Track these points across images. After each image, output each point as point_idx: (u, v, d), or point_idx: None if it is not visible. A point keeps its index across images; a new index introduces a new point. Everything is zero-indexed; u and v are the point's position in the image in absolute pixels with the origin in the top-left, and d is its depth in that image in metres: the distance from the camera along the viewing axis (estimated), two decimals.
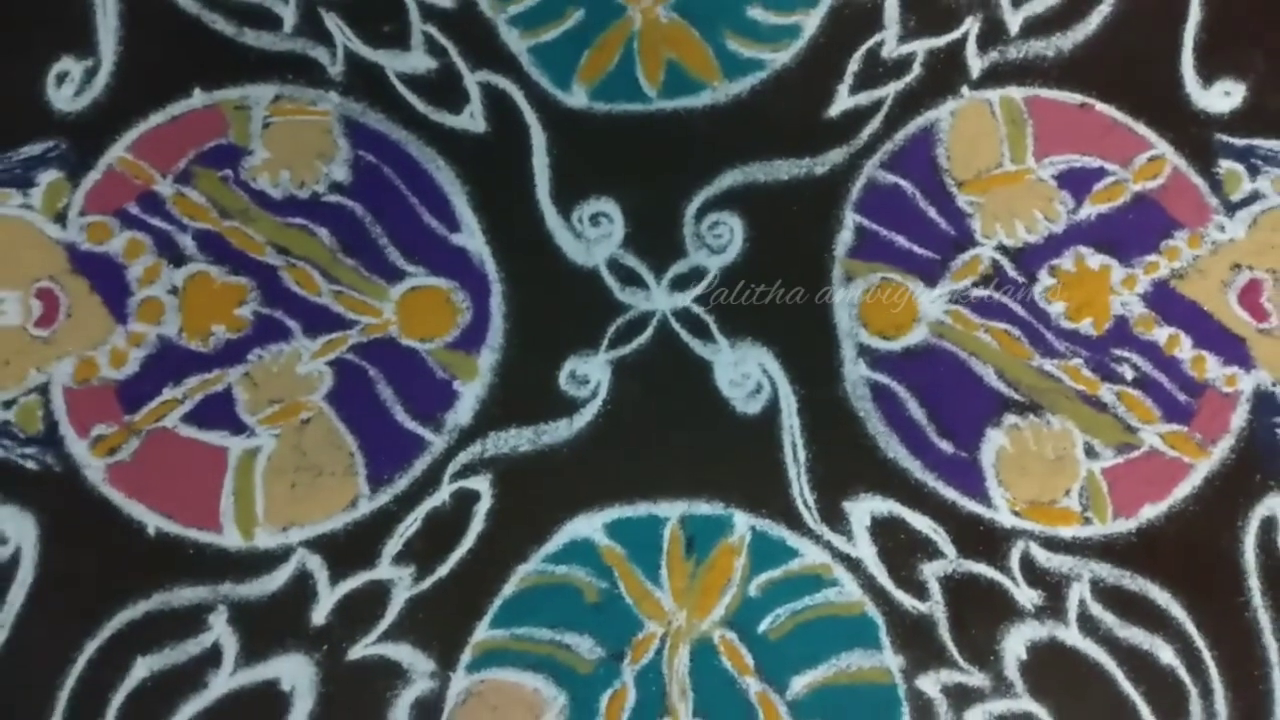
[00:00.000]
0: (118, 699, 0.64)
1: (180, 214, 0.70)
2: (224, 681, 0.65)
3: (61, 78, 0.72)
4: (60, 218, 0.70)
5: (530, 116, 0.72)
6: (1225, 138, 0.73)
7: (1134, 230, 0.71)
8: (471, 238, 0.70)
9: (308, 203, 0.71)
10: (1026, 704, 0.65)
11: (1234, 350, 0.70)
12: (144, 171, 0.70)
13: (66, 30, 0.73)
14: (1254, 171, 0.72)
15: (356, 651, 0.65)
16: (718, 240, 0.71)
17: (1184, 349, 0.70)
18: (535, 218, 0.71)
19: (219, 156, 0.71)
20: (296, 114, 0.72)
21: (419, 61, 0.73)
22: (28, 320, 0.68)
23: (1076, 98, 0.73)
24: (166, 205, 0.70)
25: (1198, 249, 0.71)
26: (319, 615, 0.66)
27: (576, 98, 0.73)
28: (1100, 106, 0.73)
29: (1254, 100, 0.74)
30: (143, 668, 0.65)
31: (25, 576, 0.66)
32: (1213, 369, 0.70)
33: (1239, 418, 0.69)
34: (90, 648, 0.65)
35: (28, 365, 0.68)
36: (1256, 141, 0.73)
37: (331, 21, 0.73)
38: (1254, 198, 0.72)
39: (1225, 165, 0.72)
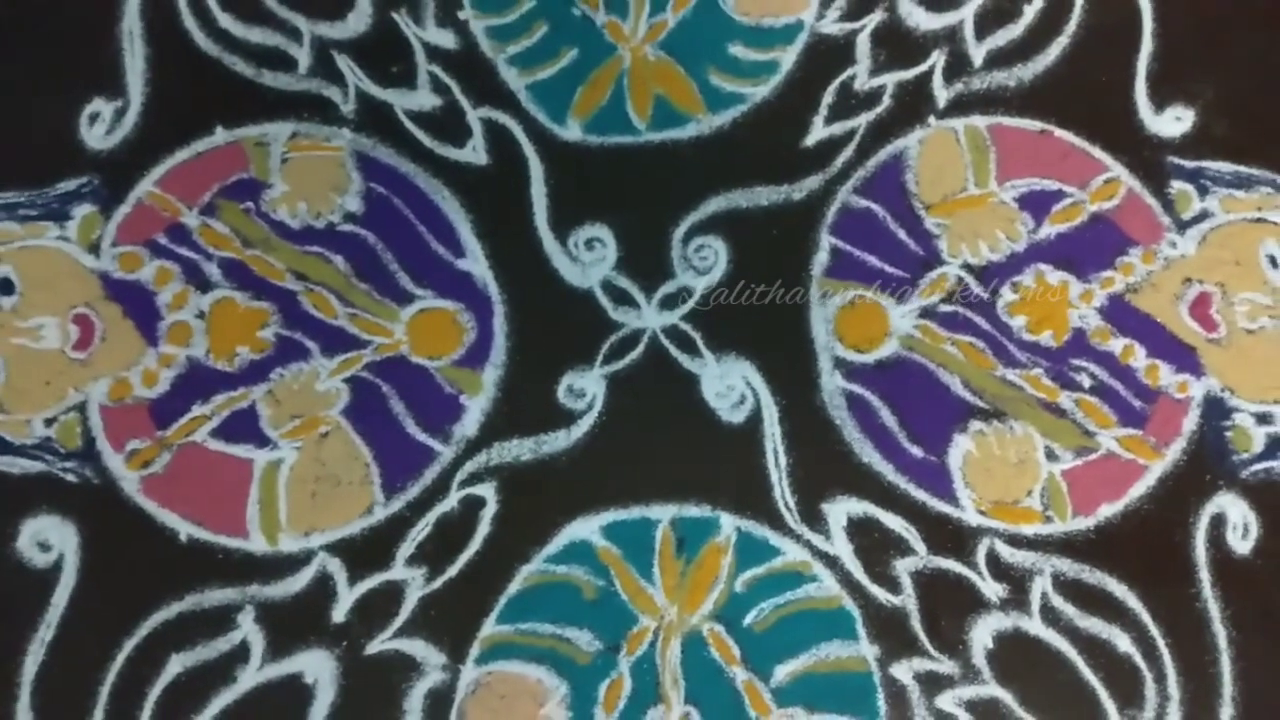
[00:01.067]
0: (154, 693, 0.67)
1: (206, 244, 0.73)
2: (252, 675, 0.68)
3: (93, 118, 0.74)
4: (94, 248, 0.73)
5: (528, 149, 0.75)
6: (1176, 160, 0.76)
7: (1091, 248, 0.74)
8: (475, 263, 0.73)
9: (323, 232, 0.73)
10: (993, 690, 0.68)
11: (1185, 359, 0.73)
12: (171, 204, 0.73)
13: (97, 73, 0.75)
14: (1203, 191, 0.75)
15: (374, 647, 0.68)
16: (703, 262, 0.73)
17: (1138, 358, 0.73)
18: (534, 243, 0.74)
19: (241, 190, 0.73)
20: (312, 149, 0.74)
21: (425, 99, 0.75)
22: (66, 344, 0.71)
23: (1036, 125, 0.76)
24: (193, 236, 0.73)
25: (1151, 265, 0.74)
26: (339, 614, 0.69)
27: (571, 131, 0.75)
28: (1059, 132, 0.76)
29: (1203, 125, 0.76)
30: (177, 664, 0.67)
31: (68, 581, 0.68)
32: (1165, 377, 0.72)
33: (1190, 422, 0.72)
34: (128, 646, 0.68)
35: (66, 385, 0.71)
36: (1205, 163, 0.76)
37: (343, 63, 0.75)
38: (1203, 216, 0.75)
39: (1177, 186, 0.75)
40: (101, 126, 0.74)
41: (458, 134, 0.75)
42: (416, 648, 0.69)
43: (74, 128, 0.74)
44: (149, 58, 0.76)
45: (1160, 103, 0.76)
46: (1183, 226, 0.75)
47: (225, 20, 0.76)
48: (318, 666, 0.68)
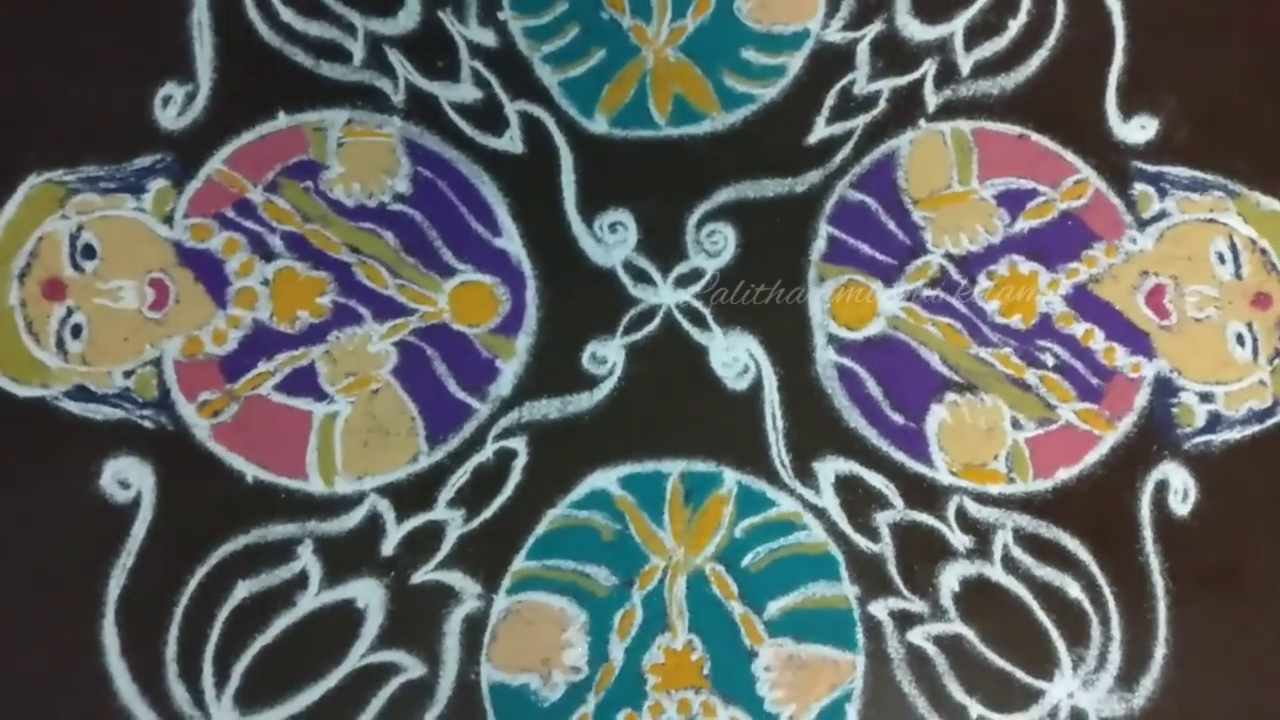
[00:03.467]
0: (223, 614, 0.72)
1: (269, 218, 0.77)
2: (310, 600, 0.73)
3: (166, 100, 0.78)
4: (168, 219, 0.77)
5: (560, 140, 0.79)
6: (1140, 164, 0.81)
7: (1059, 242, 0.79)
8: (511, 242, 0.78)
9: (375, 210, 0.78)
10: (958, 627, 0.74)
11: (1139, 343, 0.78)
12: (238, 181, 0.78)
13: (170, 59, 0.79)
14: (1163, 193, 0.80)
15: (418, 577, 0.74)
16: (714, 246, 0.79)
17: (1097, 341, 0.78)
18: (563, 225, 0.79)
19: (301, 170, 0.78)
20: (365, 135, 0.79)
21: (467, 92, 0.80)
22: (143, 305, 0.76)
23: (1016, 129, 0.81)
24: (258, 210, 0.77)
25: (1113, 258, 0.79)
26: (387, 548, 0.74)
27: (598, 125, 0.80)
28: (1035, 137, 0.81)
29: (1165, 133, 0.81)
30: (243, 589, 0.73)
31: (145, 515, 0.74)
32: (1121, 358, 0.78)
33: (1141, 399, 0.78)
34: (200, 573, 0.73)
35: (143, 342, 0.76)
36: (1166, 168, 0.81)
37: (394, 57, 0.80)
38: (1162, 215, 0.80)
39: (1139, 188, 0.80)
40: (174, 108, 0.78)
41: (496, 125, 0.80)
42: (455, 579, 0.74)
43: (149, 109, 0.78)
44: (217, 46, 0.79)
45: (1128, 112, 0.81)
46: (1143, 224, 0.80)
47: (287, 14, 0.80)
48: (368, 594, 0.73)
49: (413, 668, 0.73)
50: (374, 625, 0.73)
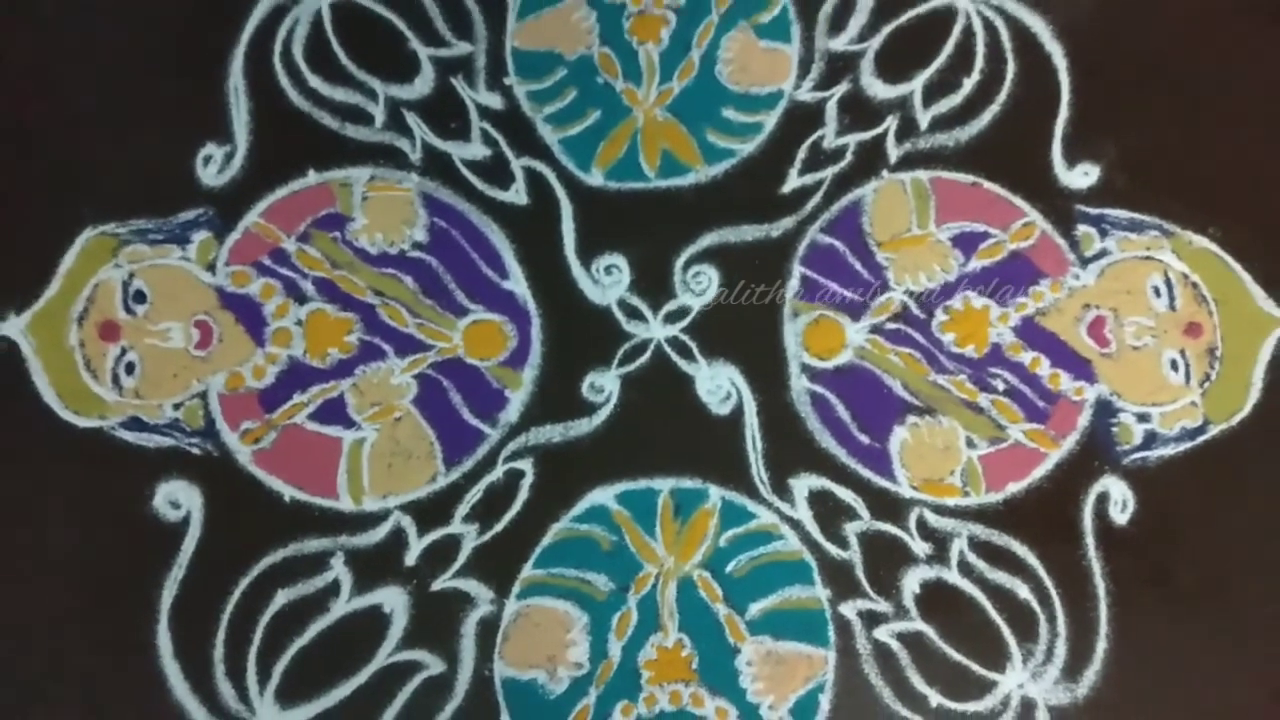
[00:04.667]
0: (264, 619, 0.77)
1: (302, 265, 0.82)
2: (342, 606, 0.77)
3: (207, 160, 0.82)
4: (210, 267, 0.81)
5: (560, 192, 0.83)
6: (1083, 208, 0.84)
7: (1009, 279, 0.83)
8: (517, 284, 0.82)
9: (396, 257, 0.82)
10: (919, 625, 0.78)
11: (1082, 369, 0.82)
12: (273, 233, 0.82)
13: (209, 123, 0.83)
14: (1104, 234, 0.84)
15: (437, 584, 0.78)
16: (699, 285, 0.82)
17: (1044, 368, 0.82)
18: (564, 268, 0.82)
19: (329, 222, 0.82)
20: (386, 190, 0.83)
21: (477, 150, 0.84)
22: (189, 344, 0.80)
23: (969, 178, 0.84)
24: (291, 258, 0.82)
25: (1058, 293, 0.83)
26: (410, 558, 0.78)
27: (595, 178, 0.84)
28: (987, 184, 0.84)
29: (1106, 179, 0.84)
30: (282, 597, 0.77)
31: (194, 531, 0.78)
32: (1065, 383, 0.82)
33: (1084, 419, 0.81)
34: (243, 583, 0.77)
35: (190, 377, 0.80)
36: (1107, 211, 0.84)
37: (412, 120, 0.84)
38: (1103, 254, 0.83)
39: (1082, 229, 0.83)
40: (214, 167, 0.82)
41: (504, 179, 0.84)
42: (471, 586, 0.78)
43: (191, 168, 0.82)
44: (252, 110, 0.83)
45: (1072, 160, 0.84)
46: (1085, 262, 0.83)
47: (314, 81, 0.84)
48: (394, 599, 0.77)
49: (434, 665, 0.77)
50: (399, 628, 0.77)
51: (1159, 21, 0.87)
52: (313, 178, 0.83)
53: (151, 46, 0.85)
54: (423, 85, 0.85)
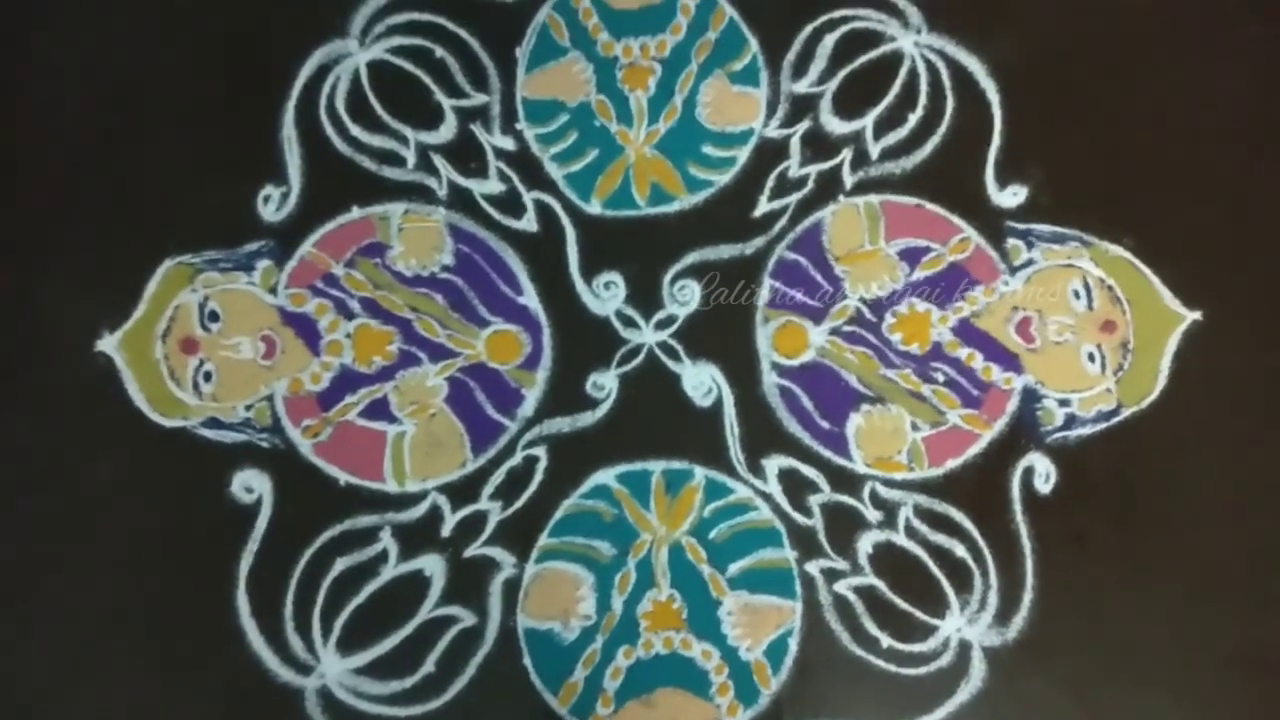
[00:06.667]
0: (326, 582, 0.83)
1: (349, 287, 0.89)
2: (390, 571, 0.84)
3: (266, 199, 0.89)
4: (273, 290, 0.88)
5: (565, 220, 0.89)
6: (1012, 224, 0.89)
7: (947, 286, 0.89)
8: (530, 299, 0.88)
9: (428, 279, 0.88)
10: (872, 580, 0.84)
11: (1011, 362, 0.88)
12: (324, 260, 0.88)
13: (268, 169, 0.89)
14: (1030, 246, 0.89)
15: (469, 552, 0.84)
16: (684, 297, 0.88)
17: (978, 362, 0.88)
18: (569, 285, 0.89)
19: (371, 250, 0.89)
20: (419, 222, 0.89)
21: (494, 186, 0.90)
22: (257, 355, 0.87)
23: (913, 200, 0.90)
24: (340, 281, 0.88)
25: (990, 297, 0.89)
26: (445, 531, 0.85)
27: (594, 207, 0.90)
28: (929, 205, 0.90)
29: (1033, 198, 0.90)
30: (340, 564, 0.83)
31: (266, 512, 0.84)
32: (996, 375, 0.88)
33: (1012, 405, 0.87)
34: (308, 553, 0.83)
35: (258, 383, 0.87)
36: (1033, 226, 0.89)
37: (438, 161, 0.90)
38: (1029, 263, 0.89)
39: (1011, 242, 0.89)
40: (273, 205, 0.89)
41: (517, 210, 0.90)
42: (496, 552, 0.84)
43: (253, 206, 0.89)
44: (303, 156, 0.90)
45: (1003, 182, 0.90)
46: (1014, 270, 0.89)
47: (355, 130, 0.90)
48: (433, 565, 0.84)
49: (467, 619, 0.83)
50: (437, 588, 0.84)
51: (1080, 61, 0.93)
52: (356, 213, 0.90)
53: (217, 104, 0.92)
54: (447, 131, 0.91)
